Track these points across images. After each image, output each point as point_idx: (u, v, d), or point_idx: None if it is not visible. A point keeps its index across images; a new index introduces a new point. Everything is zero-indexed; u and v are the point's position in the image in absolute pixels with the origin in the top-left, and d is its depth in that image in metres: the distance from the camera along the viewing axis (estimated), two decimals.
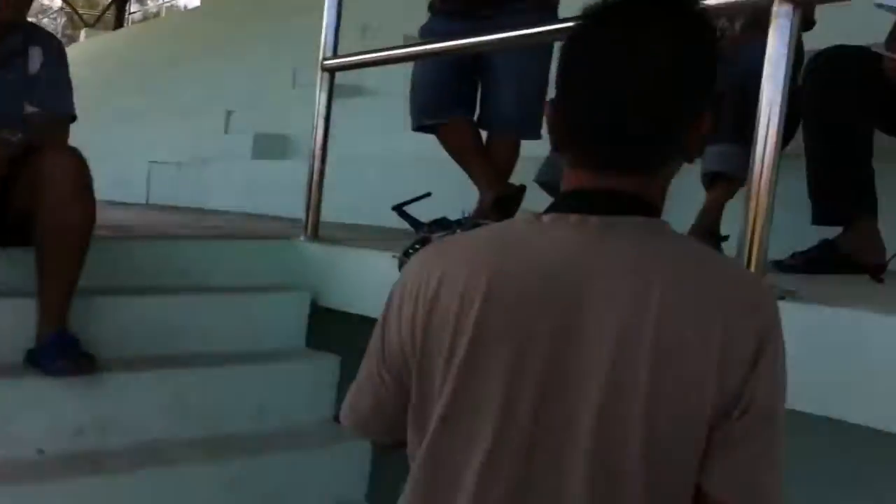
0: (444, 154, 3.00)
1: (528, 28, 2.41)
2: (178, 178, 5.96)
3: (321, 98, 2.88)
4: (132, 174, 6.28)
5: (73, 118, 2.56)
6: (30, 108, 2.45)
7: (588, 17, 1.03)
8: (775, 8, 1.69)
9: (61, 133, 2.50)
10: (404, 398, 1.07)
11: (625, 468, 0.94)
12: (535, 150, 2.96)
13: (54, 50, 2.54)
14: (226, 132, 6.65)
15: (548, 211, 1.03)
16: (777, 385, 0.97)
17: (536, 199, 2.54)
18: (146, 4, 27.23)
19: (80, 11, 25.88)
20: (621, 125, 0.99)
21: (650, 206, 1.02)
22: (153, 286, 2.67)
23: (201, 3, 16.49)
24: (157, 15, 23.13)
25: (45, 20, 23.63)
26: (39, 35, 2.54)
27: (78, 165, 2.31)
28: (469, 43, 2.60)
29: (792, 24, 1.69)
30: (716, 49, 1.05)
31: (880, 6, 2.31)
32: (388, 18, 7.11)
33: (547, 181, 2.60)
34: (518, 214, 1.08)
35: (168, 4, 22.98)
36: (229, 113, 6.72)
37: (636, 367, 0.93)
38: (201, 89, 8.14)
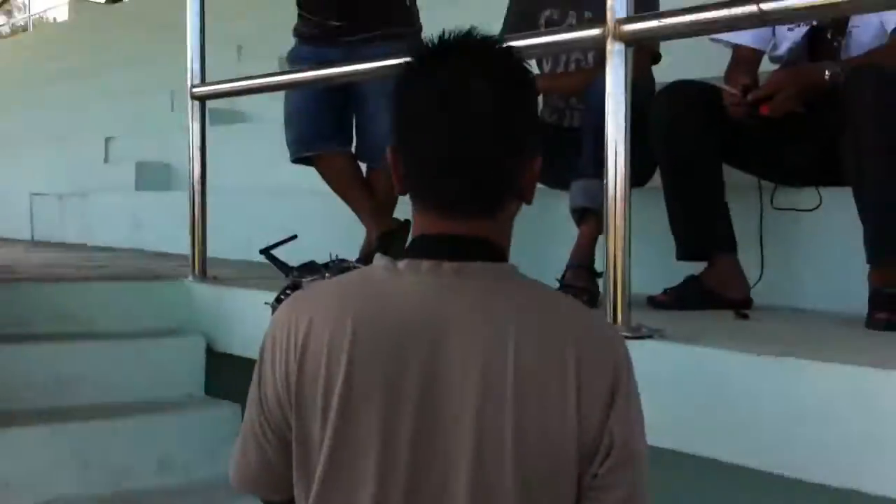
0: None
1: (395, 58, 2.37)
2: (61, 210, 5.78)
3: (194, 127, 2.84)
4: (13, 206, 6.08)
5: None
6: None
7: (414, 64, 1.10)
8: (609, 47, 1.74)
9: None
10: (289, 453, 1.08)
11: None
12: None
13: None
14: (105, 161, 6.45)
15: (404, 257, 1.08)
16: (636, 424, 1.04)
17: None
18: (13, 16, 26.05)
19: None
20: (456, 171, 1.05)
21: (497, 250, 1.08)
22: (40, 333, 2.65)
23: (69, 17, 15.93)
24: (24, 29, 22.16)
25: None
26: None
27: None
28: (337, 73, 2.59)
29: (626, 62, 1.75)
30: (536, 94, 1.16)
31: (716, 41, 2.47)
32: (263, 38, 7.06)
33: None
34: (376, 260, 1.11)
35: (36, 16, 22.03)
36: (108, 139, 6.54)
37: (501, 411, 0.99)
38: (78, 112, 7.87)
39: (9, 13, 24.97)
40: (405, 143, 1.09)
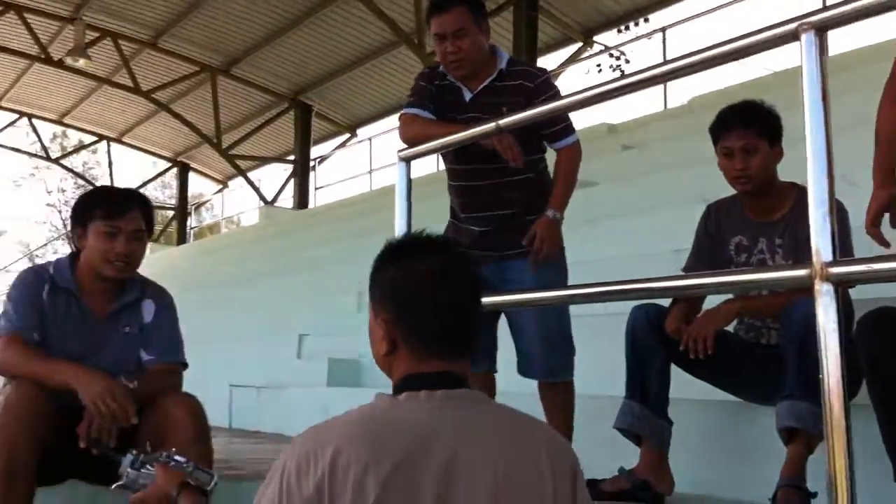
0: None
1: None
2: (259, 402, 6.18)
3: None
4: (213, 396, 6.52)
5: (185, 366, 2.76)
6: (145, 356, 2.68)
7: (396, 257, 1.49)
8: (817, 287, 1.79)
9: (176, 380, 2.69)
10: None
11: None
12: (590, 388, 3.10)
13: (165, 302, 2.79)
14: (298, 356, 6.91)
15: (398, 392, 1.42)
16: (589, 501, 1.46)
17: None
18: (203, 217, 28.68)
19: None
20: (455, 329, 1.45)
21: (467, 382, 1.45)
22: None
23: (259, 220, 17.27)
24: (212, 229, 24.20)
25: None
26: (151, 288, 2.79)
27: (198, 411, 2.53)
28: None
29: (836, 299, 1.78)
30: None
31: None
32: None
33: (625, 428, 2.80)
34: (376, 397, 1.43)
35: (226, 220, 24.10)
36: (301, 336, 7.02)
37: (502, 499, 1.33)
38: (272, 311, 8.49)
39: (199, 213, 27.45)
40: (409, 313, 1.44)
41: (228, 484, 2.82)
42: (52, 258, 2.86)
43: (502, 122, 2.53)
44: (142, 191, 2.85)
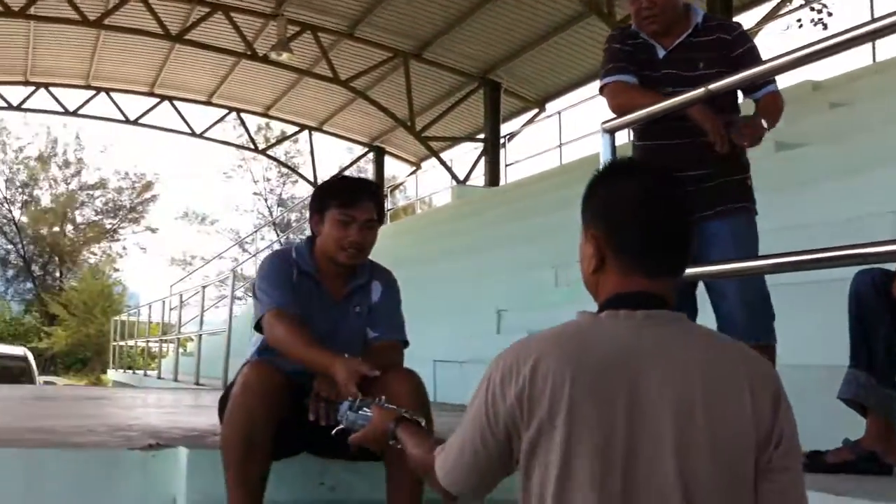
0: None
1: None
2: (462, 376, 6.34)
3: None
4: (420, 372, 6.74)
5: (406, 344, 2.86)
6: (371, 334, 2.80)
7: (606, 179, 1.56)
8: None
9: (398, 357, 2.80)
10: (504, 458, 1.47)
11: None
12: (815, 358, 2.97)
13: (391, 283, 2.90)
14: (497, 332, 7.02)
15: (601, 311, 1.48)
16: (795, 427, 1.42)
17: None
18: (397, 199, 29.64)
19: None
20: (662, 245, 1.48)
21: (670, 303, 1.48)
22: None
23: (452, 200, 17.61)
24: (407, 210, 24.94)
25: None
26: (379, 271, 2.91)
27: (419, 386, 2.61)
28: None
29: None
30: None
31: None
32: None
33: (850, 398, 2.67)
34: (577, 314, 1.49)
35: (419, 200, 24.74)
36: (500, 312, 7.12)
37: (695, 430, 1.35)
38: (469, 287, 8.66)
39: (393, 195, 28.36)
40: (623, 230, 1.49)
41: None
42: (261, 245, 3.02)
43: (712, 86, 2.45)
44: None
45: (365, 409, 2.18)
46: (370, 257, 2.92)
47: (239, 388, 2.54)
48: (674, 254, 1.51)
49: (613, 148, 2.67)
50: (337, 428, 2.25)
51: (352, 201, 2.75)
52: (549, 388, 1.38)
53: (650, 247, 1.48)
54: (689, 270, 2.20)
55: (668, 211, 1.50)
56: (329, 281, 2.83)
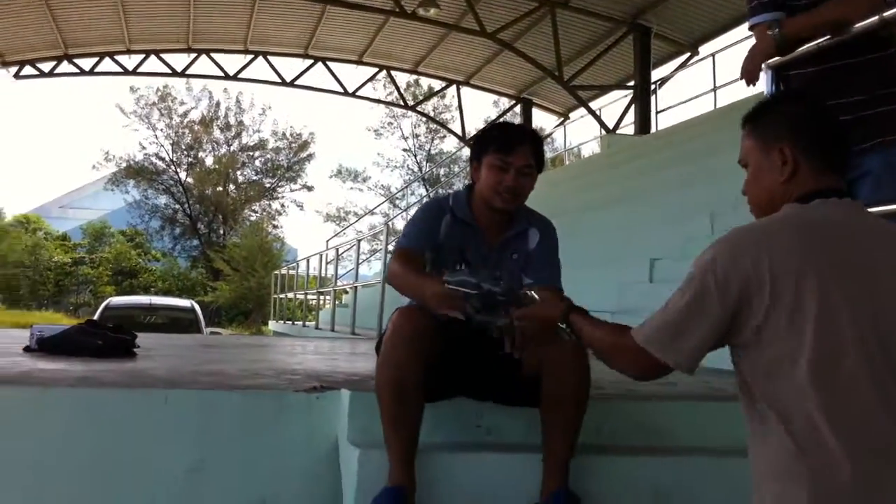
0: None
1: None
2: None
3: None
4: None
5: (561, 291, 2.81)
6: (527, 280, 2.80)
7: (782, 101, 2.02)
8: None
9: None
10: (724, 328, 1.71)
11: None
12: None
13: (549, 231, 2.92)
14: (650, 281, 6.87)
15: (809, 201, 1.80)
16: None
17: None
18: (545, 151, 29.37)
19: None
20: (844, 151, 1.89)
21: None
22: (635, 446, 2.87)
23: (601, 149, 17.30)
24: (556, 161, 24.71)
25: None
26: (535, 217, 2.93)
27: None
28: None
29: None
30: None
31: None
32: None
33: None
34: (786, 208, 1.82)
35: (568, 151, 24.45)
36: (653, 261, 6.96)
37: None
38: (621, 236, 8.52)
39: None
40: (811, 137, 1.86)
41: (597, 402, 2.89)
42: (411, 200, 3.09)
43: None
44: None
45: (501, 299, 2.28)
46: (529, 205, 2.91)
47: (389, 333, 2.60)
48: (846, 156, 1.88)
49: (779, 83, 2.55)
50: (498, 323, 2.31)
51: (509, 147, 2.76)
52: (788, 283, 1.63)
53: (835, 151, 1.86)
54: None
55: (835, 122, 1.88)
56: (486, 228, 2.86)
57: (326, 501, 2.85)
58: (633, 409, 3.04)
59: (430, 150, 41.05)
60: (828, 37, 2.61)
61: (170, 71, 21.63)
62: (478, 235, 2.85)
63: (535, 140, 2.86)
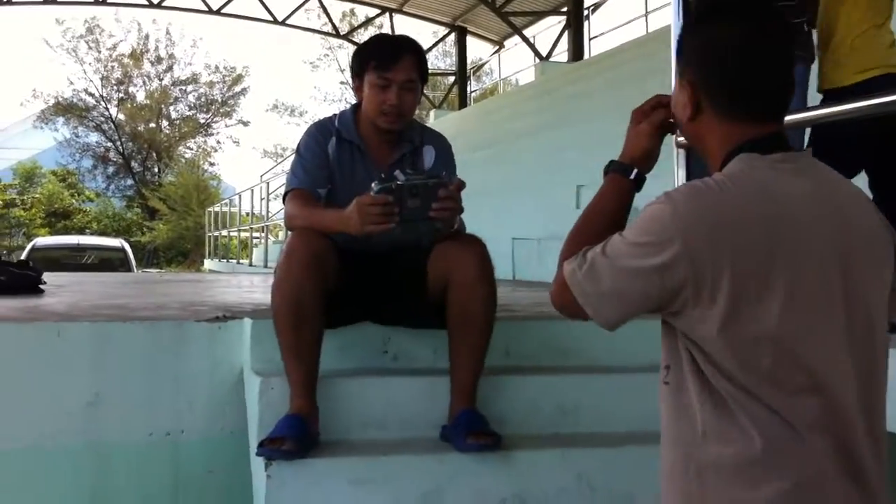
0: None
1: None
2: (539, 253, 6.28)
3: (679, 174, 2.83)
4: (497, 250, 6.72)
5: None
6: None
7: (728, 26, 1.47)
8: None
9: (461, 225, 2.71)
10: (659, 300, 1.40)
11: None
12: None
13: (444, 147, 2.83)
14: (577, 207, 6.87)
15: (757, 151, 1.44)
16: None
17: None
18: (482, 82, 29.12)
19: (427, 94, 28.24)
20: (784, 89, 1.47)
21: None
22: (545, 366, 2.87)
23: (535, 77, 17.19)
24: (492, 91, 24.56)
25: None
26: (430, 134, 2.84)
27: (481, 252, 2.55)
28: None
29: None
30: None
31: None
32: None
33: None
34: (738, 161, 1.44)
35: (503, 81, 24.29)
36: (579, 187, 6.96)
37: (851, 253, 1.40)
38: (551, 163, 8.50)
39: (478, 78, 27.89)
40: (746, 77, 1.45)
41: (508, 323, 2.92)
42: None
43: None
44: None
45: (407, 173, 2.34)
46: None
47: (283, 256, 2.51)
48: (779, 97, 1.49)
49: None
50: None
51: (389, 62, 2.64)
52: (749, 263, 1.35)
53: (774, 93, 1.48)
54: None
55: (778, 50, 1.48)
56: (375, 148, 2.75)
57: (233, 432, 2.81)
58: (541, 329, 3.02)
59: None
60: None
61: (92, 0, 20.80)
62: (366, 157, 2.74)
63: (417, 52, 2.72)
